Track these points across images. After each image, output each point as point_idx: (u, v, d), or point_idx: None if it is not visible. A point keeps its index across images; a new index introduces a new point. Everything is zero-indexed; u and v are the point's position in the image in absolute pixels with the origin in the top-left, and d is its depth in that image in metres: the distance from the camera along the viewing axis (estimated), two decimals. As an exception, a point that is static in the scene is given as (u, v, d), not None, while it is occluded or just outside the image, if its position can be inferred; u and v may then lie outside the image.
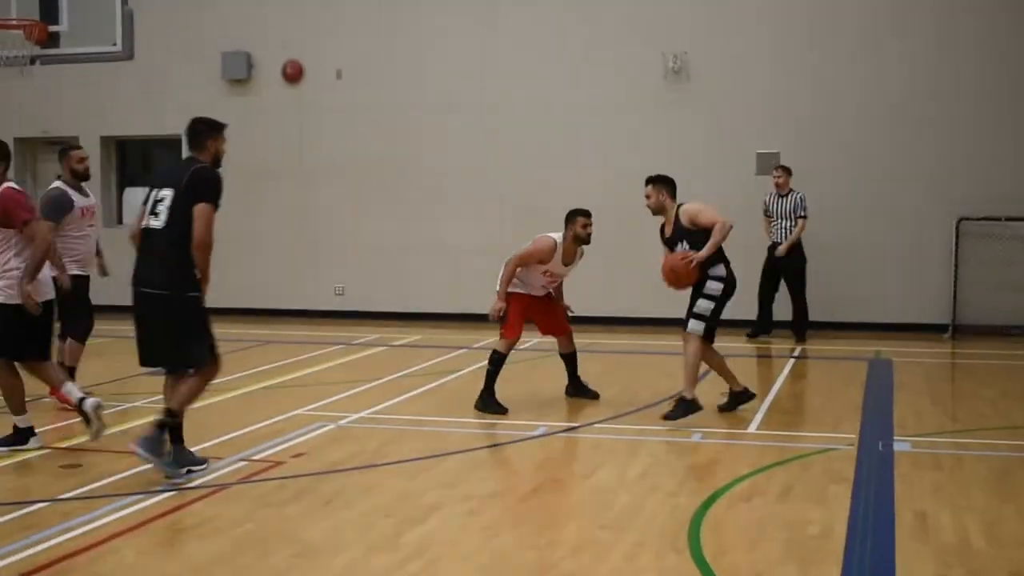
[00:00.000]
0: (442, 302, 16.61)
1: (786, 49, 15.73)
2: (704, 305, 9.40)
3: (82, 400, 8.35)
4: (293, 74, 17.14)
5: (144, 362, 7.89)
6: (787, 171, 14.79)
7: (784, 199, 14.69)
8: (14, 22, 14.84)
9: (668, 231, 9.58)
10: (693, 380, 9.46)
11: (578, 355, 10.63)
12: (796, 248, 14.65)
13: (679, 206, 9.49)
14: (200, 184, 7.51)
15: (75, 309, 10.02)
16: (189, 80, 17.56)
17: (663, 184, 9.55)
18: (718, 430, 9.18)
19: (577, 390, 10.60)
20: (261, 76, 17.32)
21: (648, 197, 9.56)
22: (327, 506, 6.96)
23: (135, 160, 19.08)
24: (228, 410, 9.84)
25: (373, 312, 16.88)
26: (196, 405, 8.09)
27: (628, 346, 14.37)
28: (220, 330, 7.93)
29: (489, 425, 9.38)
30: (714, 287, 9.38)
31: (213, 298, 7.76)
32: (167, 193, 7.55)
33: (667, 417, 9.40)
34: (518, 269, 10.01)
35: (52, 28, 15.42)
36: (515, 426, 9.29)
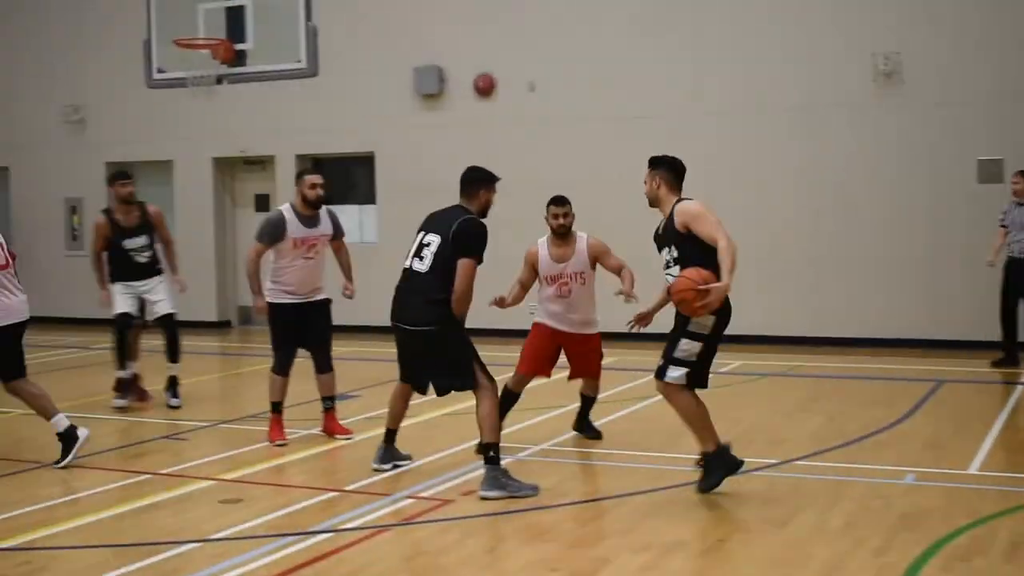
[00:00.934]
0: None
1: (1006, 45, 14.45)
2: (688, 347, 7.34)
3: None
4: (485, 87, 16.72)
5: (411, 384, 8.21)
6: (1026, 176, 13.34)
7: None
8: (201, 42, 14.87)
9: (660, 229, 7.78)
10: (707, 430, 7.50)
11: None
12: None
13: (678, 201, 7.56)
14: (467, 237, 7.70)
15: (305, 337, 9.54)
16: (380, 96, 17.32)
17: (663, 169, 7.64)
18: (933, 470, 8.18)
19: (581, 427, 9.53)
20: (453, 90, 16.95)
21: (645, 183, 7.78)
22: (489, 555, 6.36)
23: (332, 178, 18.89)
24: (409, 438, 9.27)
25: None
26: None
27: (834, 369, 13.31)
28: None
29: (679, 461, 8.59)
30: (703, 323, 7.31)
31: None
32: (434, 239, 7.78)
33: (702, 489, 7.50)
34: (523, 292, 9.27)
35: (238, 47, 15.39)
36: (706, 462, 8.49)
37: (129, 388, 11.23)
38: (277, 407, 9.49)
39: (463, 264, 7.63)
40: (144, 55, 18.70)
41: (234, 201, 19.02)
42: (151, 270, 11.17)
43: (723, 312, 7.29)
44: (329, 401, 9.69)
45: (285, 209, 9.46)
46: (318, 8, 17.61)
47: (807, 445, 9.04)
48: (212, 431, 10.22)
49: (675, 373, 7.35)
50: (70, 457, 8.80)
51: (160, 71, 18.36)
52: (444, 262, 7.68)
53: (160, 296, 11.09)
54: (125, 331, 11.11)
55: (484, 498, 7.50)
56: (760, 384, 12.23)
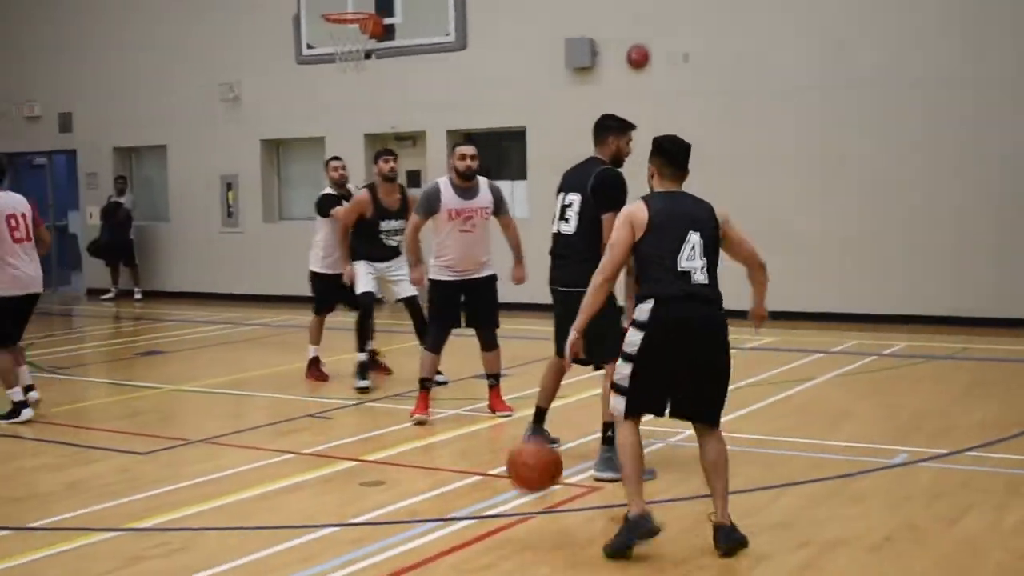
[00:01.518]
0: (792, 299, 15.23)
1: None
2: (620, 369, 6.04)
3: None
4: (638, 59, 16.27)
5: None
6: None
7: None
8: (350, 16, 14.71)
9: None
10: (635, 486, 5.93)
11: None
12: None
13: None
14: (603, 191, 7.47)
15: (469, 315, 9.34)
16: (529, 69, 17.00)
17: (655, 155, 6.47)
18: (1121, 464, 7.58)
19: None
20: (605, 63, 16.54)
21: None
22: (636, 546, 6.00)
23: (483, 153, 18.64)
24: (568, 417, 8.95)
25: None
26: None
27: (1004, 352, 12.54)
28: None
29: (840, 449, 8.12)
30: (630, 337, 6.01)
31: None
32: (574, 198, 7.58)
33: (608, 553, 5.86)
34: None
35: (387, 21, 15.19)
36: (870, 451, 8.00)
37: (370, 367, 11.02)
38: (425, 383, 9.32)
39: (607, 219, 7.27)
40: (294, 31, 18.71)
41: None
42: (396, 252, 10.95)
43: (654, 327, 5.90)
44: (494, 379, 9.51)
45: (442, 181, 9.32)
46: (467, -20, 17.36)
47: (977, 435, 8.46)
48: (358, 410, 10.08)
49: (616, 404, 6.06)
50: (4, 423, 9.59)
51: (309, 47, 18.34)
52: (589, 221, 7.44)
53: (403, 276, 10.82)
54: (371, 311, 10.90)
55: (597, 479, 7.28)
56: (923, 368, 11.60)
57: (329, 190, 11.58)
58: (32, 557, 6.13)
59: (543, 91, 16.90)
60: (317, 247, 11.56)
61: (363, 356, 10.89)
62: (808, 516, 6.53)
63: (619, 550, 5.83)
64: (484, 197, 9.34)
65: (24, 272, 9.69)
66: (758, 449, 8.12)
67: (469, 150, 9.37)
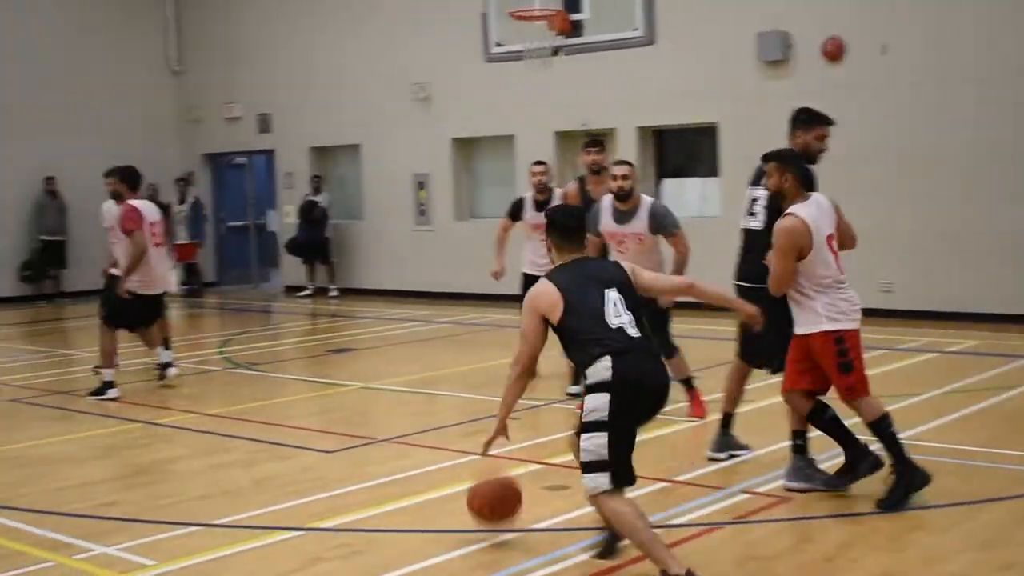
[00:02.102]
0: (1008, 301, 14.54)
1: None
2: (589, 444, 5.47)
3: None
4: (834, 52, 15.76)
5: (749, 360, 7.78)
6: None
7: None
8: (537, 13, 14.65)
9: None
10: (660, 550, 5.37)
11: None
12: None
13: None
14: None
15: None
16: (721, 64, 16.64)
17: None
18: None
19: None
20: (799, 56, 16.07)
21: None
22: (827, 563, 5.76)
23: (673, 150, 18.47)
24: (747, 425, 8.67)
25: (925, 312, 15.06)
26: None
27: None
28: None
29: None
30: (592, 404, 5.46)
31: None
32: (761, 193, 7.39)
33: None
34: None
35: (574, 17, 15.04)
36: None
37: None
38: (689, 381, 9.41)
39: None
40: (482, 28, 18.76)
41: (575, 174, 18.81)
42: None
43: (621, 385, 5.41)
44: (687, 383, 9.34)
45: (606, 201, 9.32)
46: (656, -26, 17.09)
47: None
48: (544, 410, 9.99)
49: (593, 483, 5.48)
50: (93, 399, 10.81)
51: (498, 44, 18.37)
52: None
53: None
54: None
55: (788, 489, 7.02)
56: None
57: (526, 194, 11.44)
58: (217, 554, 6.24)
59: (735, 86, 16.53)
60: (526, 251, 11.33)
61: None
62: (1012, 535, 6.15)
63: None
64: (639, 222, 9.15)
65: (158, 273, 11.20)
66: (956, 460, 7.71)
67: (620, 170, 9.16)
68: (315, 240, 20.89)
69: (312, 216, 20.83)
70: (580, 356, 5.56)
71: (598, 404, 5.40)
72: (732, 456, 7.93)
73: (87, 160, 19.78)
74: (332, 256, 21.06)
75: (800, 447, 7.10)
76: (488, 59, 18.82)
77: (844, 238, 7.03)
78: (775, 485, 7.19)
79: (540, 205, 11.07)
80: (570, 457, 8.01)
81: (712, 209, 17.01)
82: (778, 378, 7.26)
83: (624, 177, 9.07)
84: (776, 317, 6.76)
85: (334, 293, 20.85)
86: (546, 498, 7.13)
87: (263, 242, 23.43)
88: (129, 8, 23.10)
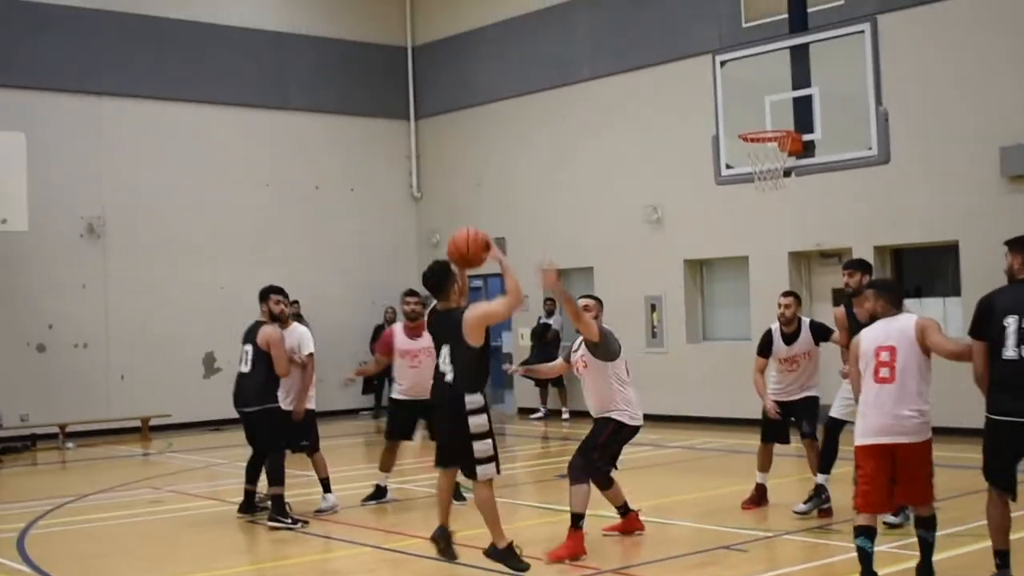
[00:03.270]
0: None
1: None
2: (479, 447, 8.57)
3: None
4: (1082, 164, 15.13)
5: None
6: None
7: None
8: (769, 135, 14.63)
9: None
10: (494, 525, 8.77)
11: None
12: None
13: None
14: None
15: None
16: (960, 180, 16.17)
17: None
18: None
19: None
20: (1046, 170, 15.49)
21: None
22: None
23: (912, 269, 17.95)
24: None
25: None
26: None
27: None
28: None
29: None
30: (484, 422, 8.69)
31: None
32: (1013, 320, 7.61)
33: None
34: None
35: (806, 137, 14.96)
36: None
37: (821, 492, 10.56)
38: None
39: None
40: (712, 151, 18.77)
41: (811, 295, 18.50)
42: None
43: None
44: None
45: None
46: (889, 91, 16.75)
47: None
48: (775, 543, 9.69)
49: (485, 471, 8.68)
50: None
51: (728, 167, 18.32)
52: None
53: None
54: (838, 434, 10.40)
55: None
56: None
57: (772, 325, 11.17)
58: None
59: (976, 202, 16.02)
60: (770, 380, 11.15)
61: (822, 478, 10.43)
62: None
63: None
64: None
65: (413, 382, 12.03)
66: None
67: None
68: (548, 362, 20.99)
69: (545, 339, 21.04)
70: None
71: (485, 421, 8.71)
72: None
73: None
74: (564, 378, 21.15)
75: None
76: (719, 181, 18.76)
77: None
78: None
79: (788, 337, 10.93)
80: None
81: (954, 329, 16.40)
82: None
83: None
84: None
85: (566, 416, 20.90)
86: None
87: (497, 363, 23.74)
88: (375, 141, 24.34)
